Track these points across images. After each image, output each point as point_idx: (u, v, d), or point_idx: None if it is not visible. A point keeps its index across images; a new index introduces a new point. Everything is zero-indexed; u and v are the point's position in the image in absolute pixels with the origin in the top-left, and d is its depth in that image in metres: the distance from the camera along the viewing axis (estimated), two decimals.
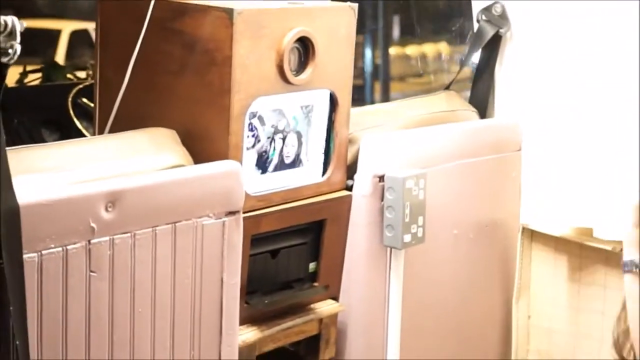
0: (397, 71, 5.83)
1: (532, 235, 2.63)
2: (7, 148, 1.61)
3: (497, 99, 2.67)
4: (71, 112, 2.74)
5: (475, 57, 2.67)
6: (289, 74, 2.08)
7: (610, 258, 2.52)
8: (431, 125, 2.48)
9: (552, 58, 2.55)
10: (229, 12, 1.96)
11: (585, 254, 2.58)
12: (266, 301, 2.13)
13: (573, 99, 2.52)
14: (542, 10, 2.55)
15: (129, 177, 1.81)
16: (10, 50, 1.51)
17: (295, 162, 2.18)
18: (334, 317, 2.27)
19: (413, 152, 2.34)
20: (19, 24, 1.51)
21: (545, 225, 2.60)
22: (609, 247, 2.48)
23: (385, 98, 5.59)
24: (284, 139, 2.14)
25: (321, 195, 2.23)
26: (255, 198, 2.08)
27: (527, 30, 2.60)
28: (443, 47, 4.83)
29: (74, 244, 1.69)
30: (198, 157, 2.00)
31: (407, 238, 2.29)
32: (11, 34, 1.51)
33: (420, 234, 2.31)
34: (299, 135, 2.17)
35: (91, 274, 1.73)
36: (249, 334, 2.11)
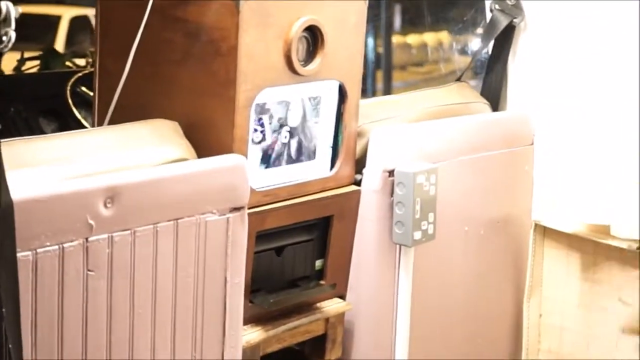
0: (400, 60, 5.76)
1: (544, 231, 2.56)
2: (1, 140, 1.54)
3: (509, 91, 2.60)
4: (70, 101, 2.66)
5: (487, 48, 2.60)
6: (297, 64, 2.00)
7: (626, 256, 2.45)
8: (443, 117, 2.40)
9: (567, 49, 2.48)
10: (235, 1, 1.88)
11: (599, 252, 2.50)
12: (271, 300, 2.05)
13: (588, 91, 2.45)
14: None
15: (128, 171, 1.73)
16: (4, 38, 1.43)
17: (302, 156, 2.10)
18: (340, 316, 2.20)
19: (424, 145, 2.26)
20: (14, 10, 1.43)
21: (558, 222, 2.52)
22: (624, 245, 2.41)
23: (387, 88, 5.52)
24: (290, 132, 2.06)
25: (329, 191, 2.14)
26: (260, 193, 2.00)
27: (542, 20, 2.52)
28: (444, 36, 4.76)
29: (71, 241, 1.61)
30: (202, 150, 1.92)
31: (417, 235, 2.21)
32: (5, 20, 1.42)
33: (430, 231, 2.24)
34: (307, 128, 2.09)
35: (89, 273, 1.65)
36: (253, 334, 2.03)
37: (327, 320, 2.17)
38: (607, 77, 2.42)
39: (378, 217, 2.20)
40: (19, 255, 1.52)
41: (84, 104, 2.79)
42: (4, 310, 1.47)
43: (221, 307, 1.87)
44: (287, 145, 2.06)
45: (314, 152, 2.13)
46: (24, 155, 1.72)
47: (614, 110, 2.41)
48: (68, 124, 2.75)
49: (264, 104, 1.99)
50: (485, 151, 2.43)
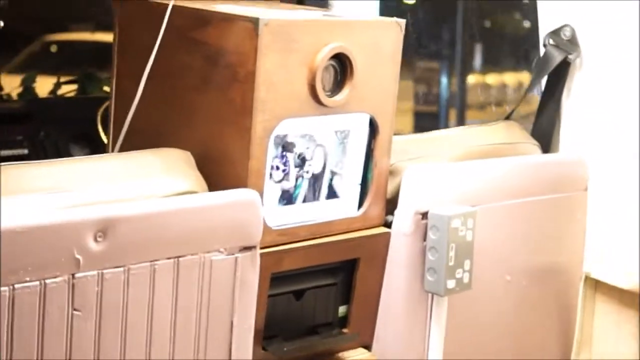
0: (476, 100, 5.61)
1: (595, 285, 2.37)
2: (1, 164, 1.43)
3: (562, 132, 2.42)
4: (99, 126, 2.55)
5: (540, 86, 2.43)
6: (322, 95, 1.85)
7: None
8: (486, 157, 2.24)
9: (627, 88, 2.30)
10: (254, 22, 1.74)
11: None
12: (285, 348, 1.89)
13: None
14: (616, 35, 2.30)
15: (124, 202, 1.59)
16: None
17: (326, 194, 1.95)
18: None
19: (462, 187, 2.10)
20: None
21: (611, 275, 2.34)
22: None
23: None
24: (314, 167, 1.91)
25: (355, 232, 1.99)
26: (277, 232, 1.85)
27: (599, 57, 2.34)
28: (524, 77, 4.62)
29: (54, 277, 1.48)
30: (215, 183, 1.78)
31: (451, 284, 2.04)
32: None
33: (466, 280, 2.06)
34: (332, 164, 1.94)
35: (74, 312, 1.51)
36: None
37: None
38: None
39: (409, 262, 2.04)
40: None
41: None
42: None
43: (226, 354, 1.72)
44: (310, 181, 1.92)
45: (340, 191, 1.97)
46: (20, 181, 1.60)
47: None
48: (99, 149, 2.64)
49: (285, 136, 1.84)
50: (533, 196, 2.25)
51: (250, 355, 1.76)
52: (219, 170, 1.80)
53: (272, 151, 1.83)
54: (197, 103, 1.83)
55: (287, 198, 1.88)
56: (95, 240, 1.52)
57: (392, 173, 2.07)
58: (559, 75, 2.38)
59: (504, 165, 2.22)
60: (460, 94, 5.53)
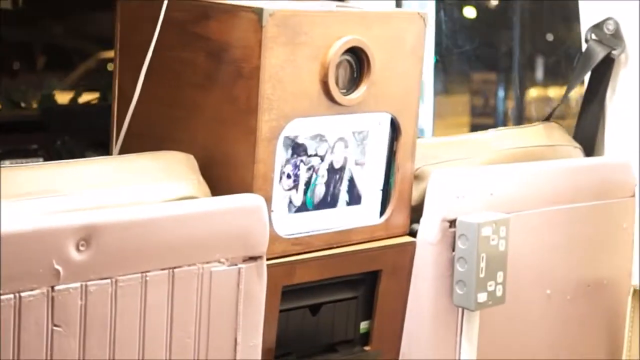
0: (536, 113, 5.43)
1: None
2: None
3: (607, 134, 2.25)
4: None
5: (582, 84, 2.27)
6: (336, 92, 1.71)
7: None
8: (522, 161, 2.07)
9: None
10: (258, 13, 1.60)
11: None
12: None
13: None
14: None
15: (109, 208, 1.46)
16: None
17: (344, 200, 1.80)
18: None
19: (494, 192, 1.93)
20: None
21: None
22: None
23: None
24: (330, 171, 1.77)
25: (377, 241, 1.84)
26: (288, 241, 1.71)
27: None
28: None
29: (31, 290, 1.35)
30: (220, 188, 1.64)
31: (483, 297, 1.87)
32: None
33: (499, 293, 1.90)
34: (350, 168, 1.80)
35: (55, 329, 1.38)
36: None
37: None
38: None
39: (436, 274, 1.88)
40: None
41: None
42: None
43: None
44: (326, 186, 1.77)
45: (360, 196, 1.83)
46: (8, 184, 1.48)
47: None
48: None
49: (296, 137, 1.70)
50: (574, 202, 2.08)
51: None
52: (224, 175, 1.67)
53: (282, 154, 1.69)
54: (200, 102, 1.70)
55: (301, 204, 1.74)
56: (77, 249, 1.39)
57: (417, 178, 1.92)
58: (603, 73, 2.22)
59: (541, 169, 2.05)
60: (518, 108, 5.37)
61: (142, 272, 1.46)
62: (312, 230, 1.75)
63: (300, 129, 1.70)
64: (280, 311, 1.73)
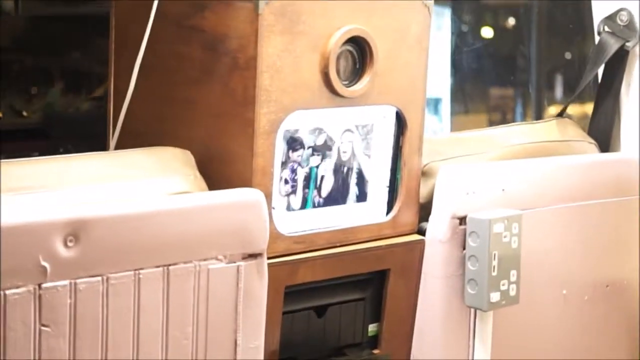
0: None
1: None
2: None
3: (623, 129, 2.18)
4: None
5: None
6: (338, 84, 1.65)
7: None
8: (536, 157, 2.00)
9: None
10: (254, 1, 1.55)
11: None
12: None
13: None
14: None
15: (100, 202, 1.40)
16: None
17: (349, 197, 1.74)
18: None
19: (506, 188, 1.87)
20: None
21: None
22: None
23: None
24: (334, 166, 1.70)
25: (384, 239, 1.77)
26: (291, 239, 1.64)
27: None
28: None
29: (17, 288, 1.29)
30: (218, 184, 1.58)
31: (495, 297, 1.80)
32: None
33: (512, 292, 1.83)
34: (355, 163, 1.73)
35: (43, 329, 1.32)
36: None
37: None
38: None
39: (446, 273, 1.81)
40: None
41: None
42: None
43: None
44: (329, 182, 1.71)
45: (365, 193, 1.76)
46: None
47: None
48: None
49: (297, 130, 1.64)
50: (590, 199, 2.01)
51: None
52: (223, 170, 1.61)
53: (282, 147, 1.62)
54: (197, 97, 1.64)
55: (302, 201, 1.68)
56: (65, 245, 1.32)
57: (425, 174, 1.85)
58: (616, 66, 2.15)
59: (555, 164, 1.98)
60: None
61: (135, 270, 1.39)
62: (316, 228, 1.69)
63: (301, 121, 1.64)
64: (284, 313, 1.66)
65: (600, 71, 2.18)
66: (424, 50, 1.77)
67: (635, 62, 2.15)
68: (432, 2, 1.76)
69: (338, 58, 1.65)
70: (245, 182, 1.57)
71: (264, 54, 1.56)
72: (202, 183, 1.57)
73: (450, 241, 1.80)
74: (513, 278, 1.83)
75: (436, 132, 3.36)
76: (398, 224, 1.79)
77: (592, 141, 2.15)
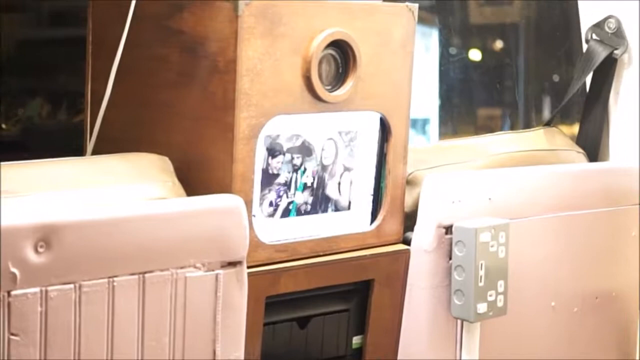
0: None
1: None
2: None
3: (612, 138, 2.15)
4: None
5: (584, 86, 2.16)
6: (320, 89, 1.61)
7: None
8: (523, 166, 1.97)
9: None
10: (233, 2, 1.51)
11: None
12: None
13: None
14: None
15: (73, 207, 1.35)
16: None
17: (332, 205, 1.69)
18: None
19: (492, 197, 1.83)
20: None
21: None
22: None
23: None
24: (317, 174, 1.66)
25: (368, 249, 1.73)
26: (272, 247, 1.60)
27: None
28: None
29: None
30: (197, 191, 1.53)
31: (482, 308, 1.76)
32: None
33: (500, 303, 1.79)
34: (337, 170, 1.69)
35: (12, 337, 1.26)
36: None
37: None
38: None
39: (432, 284, 1.77)
40: None
41: None
42: None
43: None
44: (312, 190, 1.66)
45: (349, 201, 1.72)
46: None
47: None
48: None
49: (278, 136, 1.60)
50: (579, 209, 1.98)
51: None
52: (202, 177, 1.56)
53: (262, 153, 1.58)
54: (175, 101, 1.60)
55: (285, 209, 1.63)
56: (36, 250, 1.28)
57: (410, 183, 1.81)
58: (605, 74, 2.12)
59: (542, 173, 1.95)
60: None
61: (109, 277, 1.35)
62: (298, 237, 1.64)
63: (282, 127, 1.60)
64: (265, 324, 1.62)
65: (589, 80, 2.15)
66: (408, 54, 1.73)
67: (623, 70, 2.12)
68: (417, 5, 1.73)
69: (320, 62, 1.61)
70: (225, 189, 1.53)
71: (244, 57, 1.52)
72: (181, 190, 1.53)
73: (436, 251, 1.76)
74: (500, 289, 1.79)
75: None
76: (383, 233, 1.75)
77: (581, 150, 2.12)
